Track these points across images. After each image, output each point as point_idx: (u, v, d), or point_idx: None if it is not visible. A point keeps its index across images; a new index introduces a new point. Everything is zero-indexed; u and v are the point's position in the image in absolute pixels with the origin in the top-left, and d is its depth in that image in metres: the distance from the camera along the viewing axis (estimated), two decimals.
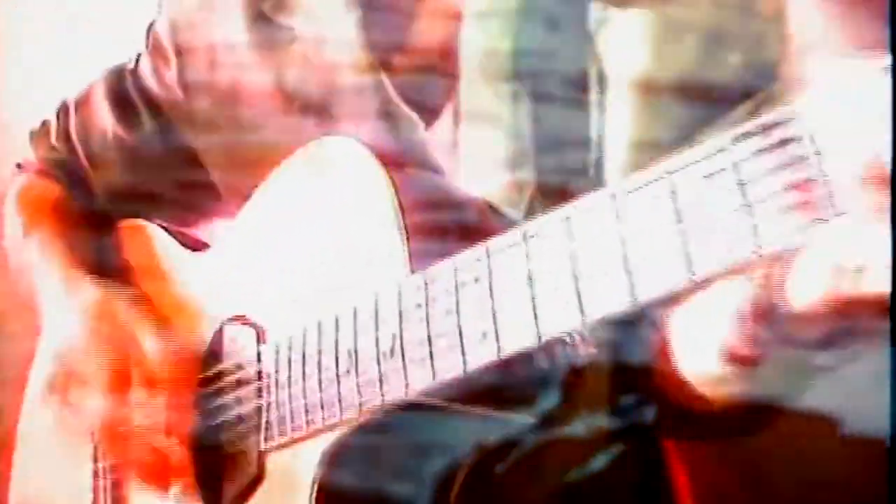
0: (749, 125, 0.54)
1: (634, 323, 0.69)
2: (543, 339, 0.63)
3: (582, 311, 0.60)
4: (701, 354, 0.68)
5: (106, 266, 1.09)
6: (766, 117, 0.53)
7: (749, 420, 0.75)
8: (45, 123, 1.21)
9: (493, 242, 0.66)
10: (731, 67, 0.77)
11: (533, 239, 0.64)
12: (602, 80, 0.82)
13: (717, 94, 0.76)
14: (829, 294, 0.54)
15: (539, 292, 0.63)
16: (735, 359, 0.66)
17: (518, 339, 0.63)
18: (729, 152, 0.54)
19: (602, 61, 0.82)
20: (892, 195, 0.49)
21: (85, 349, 0.98)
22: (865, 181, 0.49)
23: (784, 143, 0.52)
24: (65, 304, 1.04)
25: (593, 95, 0.82)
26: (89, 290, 1.02)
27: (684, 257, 0.56)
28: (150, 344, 0.95)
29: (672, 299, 0.61)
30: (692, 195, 0.56)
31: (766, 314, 0.60)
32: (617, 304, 0.58)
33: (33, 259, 1.12)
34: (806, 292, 0.55)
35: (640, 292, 0.57)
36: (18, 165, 1.23)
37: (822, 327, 0.58)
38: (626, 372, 0.75)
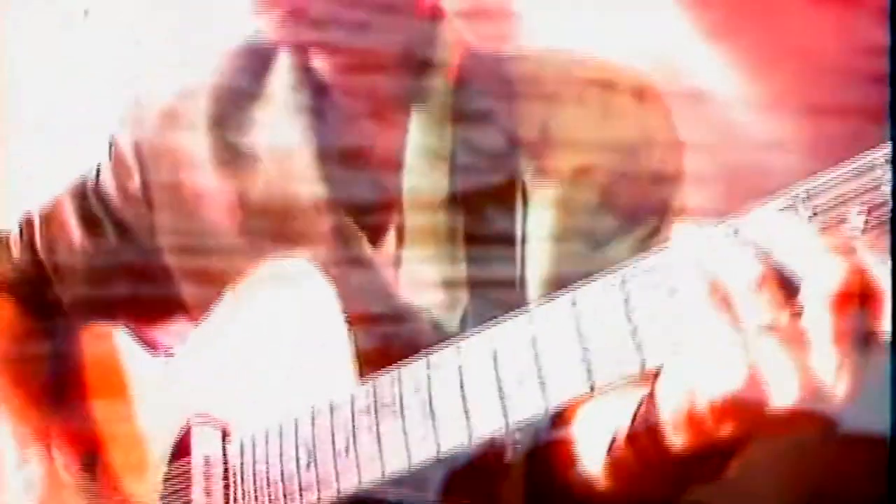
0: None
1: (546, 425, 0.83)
2: (474, 439, 0.75)
3: (505, 416, 0.73)
4: (593, 454, 0.81)
5: (60, 381, 1.17)
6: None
7: None
8: (6, 236, 1.25)
9: (433, 356, 0.79)
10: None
11: (463, 352, 0.77)
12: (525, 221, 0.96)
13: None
14: (684, 412, 0.65)
15: (470, 399, 0.76)
16: (618, 459, 0.78)
17: (453, 440, 0.76)
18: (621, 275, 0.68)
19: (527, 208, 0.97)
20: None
21: None
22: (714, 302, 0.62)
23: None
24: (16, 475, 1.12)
25: (518, 230, 0.96)
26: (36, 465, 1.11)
27: (586, 368, 0.69)
28: None
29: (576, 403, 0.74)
30: (591, 311, 0.69)
31: (647, 425, 0.72)
32: (532, 410, 0.71)
33: None
34: (668, 408, 0.67)
35: (552, 400, 0.71)
36: None
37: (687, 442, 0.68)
38: (539, 468, 0.88)
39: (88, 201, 1.20)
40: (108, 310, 1.20)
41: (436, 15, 1.04)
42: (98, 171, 1.20)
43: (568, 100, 0.99)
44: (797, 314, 0.59)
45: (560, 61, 1.03)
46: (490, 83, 1.01)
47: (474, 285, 0.97)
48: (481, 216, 0.98)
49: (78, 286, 1.21)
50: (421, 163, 1.00)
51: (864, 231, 0.61)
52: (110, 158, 1.18)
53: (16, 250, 1.24)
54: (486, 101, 1.00)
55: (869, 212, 0.61)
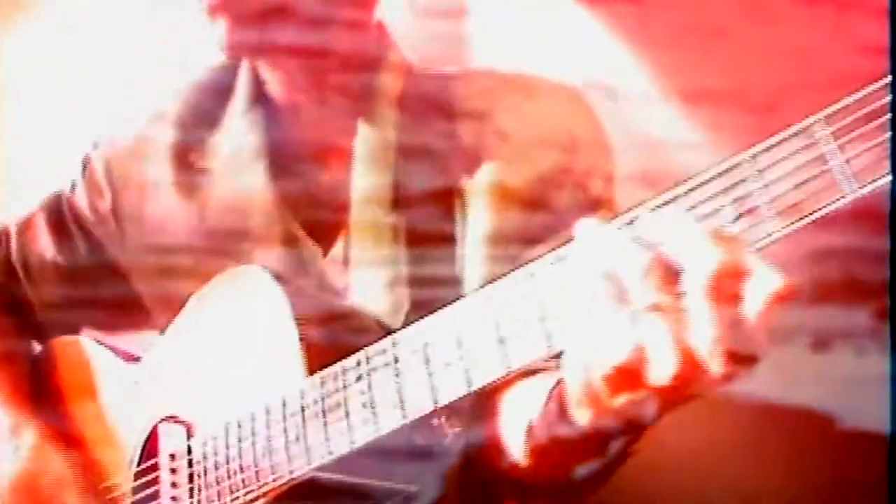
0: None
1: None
2: (410, 421, 0.83)
3: (435, 400, 0.81)
4: (516, 435, 0.90)
5: (36, 386, 1.25)
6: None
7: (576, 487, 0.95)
8: None
9: (369, 349, 0.87)
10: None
11: (398, 344, 0.85)
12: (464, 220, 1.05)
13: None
14: (584, 388, 0.72)
15: (405, 385, 0.84)
16: (536, 440, 0.87)
17: (390, 423, 0.84)
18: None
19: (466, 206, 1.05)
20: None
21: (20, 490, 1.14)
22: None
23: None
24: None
25: (457, 232, 1.04)
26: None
27: (502, 353, 0.77)
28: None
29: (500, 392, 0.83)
30: (505, 302, 0.78)
31: (560, 406, 0.80)
32: (457, 393, 0.80)
33: None
34: (570, 386, 0.75)
35: (474, 382, 0.79)
36: None
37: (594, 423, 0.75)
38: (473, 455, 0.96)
39: (62, 216, 1.29)
40: (78, 318, 1.28)
41: (381, 38, 1.13)
42: (72, 187, 1.29)
43: (501, 111, 1.07)
44: (679, 297, 0.68)
45: (494, 77, 1.12)
46: (431, 99, 1.09)
47: (415, 284, 1.05)
48: (423, 220, 1.07)
49: (50, 295, 1.30)
50: (367, 176, 1.09)
51: (735, 221, 0.70)
52: (83, 176, 1.27)
53: None
54: (427, 116, 1.09)
55: (739, 204, 0.69)
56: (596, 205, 1.06)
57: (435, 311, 0.85)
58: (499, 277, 0.81)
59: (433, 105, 1.10)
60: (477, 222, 1.06)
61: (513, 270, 0.80)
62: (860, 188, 0.65)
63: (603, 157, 1.09)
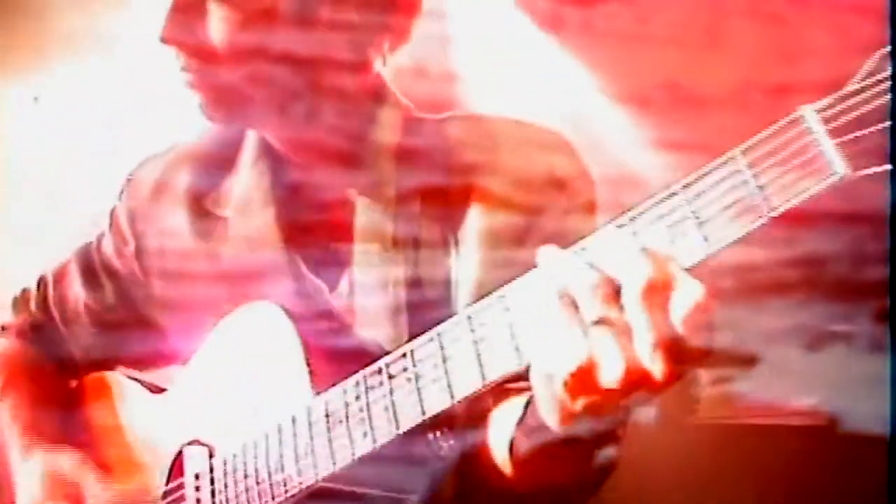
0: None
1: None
2: (402, 432, 0.94)
3: (422, 412, 0.92)
4: (502, 447, 1.00)
5: (70, 420, 1.36)
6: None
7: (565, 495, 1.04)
8: (25, 291, 1.48)
9: (364, 373, 0.98)
10: None
11: (390, 365, 0.96)
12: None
13: None
14: (549, 395, 0.82)
15: (397, 401, 0.94)
16: (518, 451, 0.97)
17: (386, 435, 0.95)
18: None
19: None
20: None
21: None
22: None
23: None
24: (23, 468, 1.31)
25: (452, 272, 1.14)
26: (41, 461, 1.30)
27: (479, 368, 0.88)
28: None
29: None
30: (482, 323, 0.88)
31: (536, 416, 0.89)
32: (440, 406, 0.90)
33: (4, 420, 1.39)
34: (538, 395, 0.84)
35: (456, 395, 0.89)
36: (2, 328, 1.49)
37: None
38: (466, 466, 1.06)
39: (92, 264, 1.41)
40: (110, 357, 1.39)
41: (379, 93, 1.22)
42: (100, 237, 1.41)
43: (493, 153, 1.17)
44: (622, 310, 0.78)
45: (485, 122, 1.23)
46: (428, 143, 1.20)
47: (412, 312, 1.15)
48: (418, 262, 1.16)
49: (84, 337, 1.41)
50: (368, 216, 1.19)
51: (672, 242, 0.80)
52: (111, 227, 1.39)
53: (33, 304, 1.46)
54: (425, 160, 1.19)
55: (673, 227, 0.80)
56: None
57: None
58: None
59: (429, 150, 1.20)
60: (469, 255, 1.15)
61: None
62: (773, 210, 0.75)
63: (587, 191, 1.18)
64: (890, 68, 0.73)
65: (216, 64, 1.10)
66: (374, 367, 0.98)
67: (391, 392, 0.95)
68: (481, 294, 1.13)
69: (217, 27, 1.09)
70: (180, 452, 1.20)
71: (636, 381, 0.77)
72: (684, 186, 0.80)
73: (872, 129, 0.74)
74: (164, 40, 1.10)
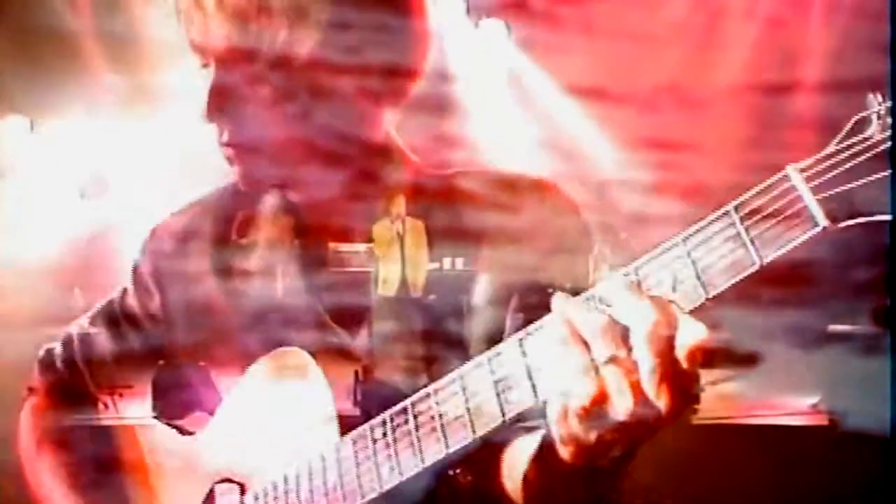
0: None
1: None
2: (427, 466, 1.02)
3: (446, 447, 1.00)
4: (513, 479, 1.08)
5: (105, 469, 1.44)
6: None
7: None
8: (48, 351, 1.53)
9: (391, 412, 1.06)
10: None
11: (412, 406, 1.04)
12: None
13: None
14: (563, 427, 0.92)
15: (422, 437, 1.02)
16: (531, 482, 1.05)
17: (411, 469, 1.03)
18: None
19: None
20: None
21: None
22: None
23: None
24: None
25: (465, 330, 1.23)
26: None
27: (499, 405, 0.96)
28: None
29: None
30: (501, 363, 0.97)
31: (550, 447, 0.97)
32: (463, 442, 0.98)
33: (44, 477, 1.46)
34: (553, 427, 0.93)
35: (478, 431, 0.97)
36: (30, 389, 1.55)
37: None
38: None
39: (116, 319, 1.48)
40: (138, 407, 1.46)
41: (387, 147, 1.32)
42: (123, 293, 1.48)
43: (495, 203, 1.26)
44: (630, 349, 0.87)
45: (487, 175, 1.33)
46: (436, 196, 1.29)
47: (431, 360, 1.23)
48: (435, 313, 1.25)
49: (111, 391, 1.48)
50: (386, 267, 1.27)
51: (674, 290, 0.88)
52: (133, 283, 1.46)
53: (59, 363, 1.52)
54: (433, 212, 1.28)
55: (674, 276, 0.88)
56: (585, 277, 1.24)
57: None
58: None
59: (439, 201, 1.29)
60: (481, 299, 1.24)
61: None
62: (763, 259, 0.84)
63: (585, 239, 1.27)
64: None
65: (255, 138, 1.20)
66: (399, 406, 1.06)
67: (416, 429, 1.03)
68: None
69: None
70: (212, 490, 1.27)
71: (642, 414, 0.86)
72: (684, 239, 0.89)
73: (850, 185, 0.83)
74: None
